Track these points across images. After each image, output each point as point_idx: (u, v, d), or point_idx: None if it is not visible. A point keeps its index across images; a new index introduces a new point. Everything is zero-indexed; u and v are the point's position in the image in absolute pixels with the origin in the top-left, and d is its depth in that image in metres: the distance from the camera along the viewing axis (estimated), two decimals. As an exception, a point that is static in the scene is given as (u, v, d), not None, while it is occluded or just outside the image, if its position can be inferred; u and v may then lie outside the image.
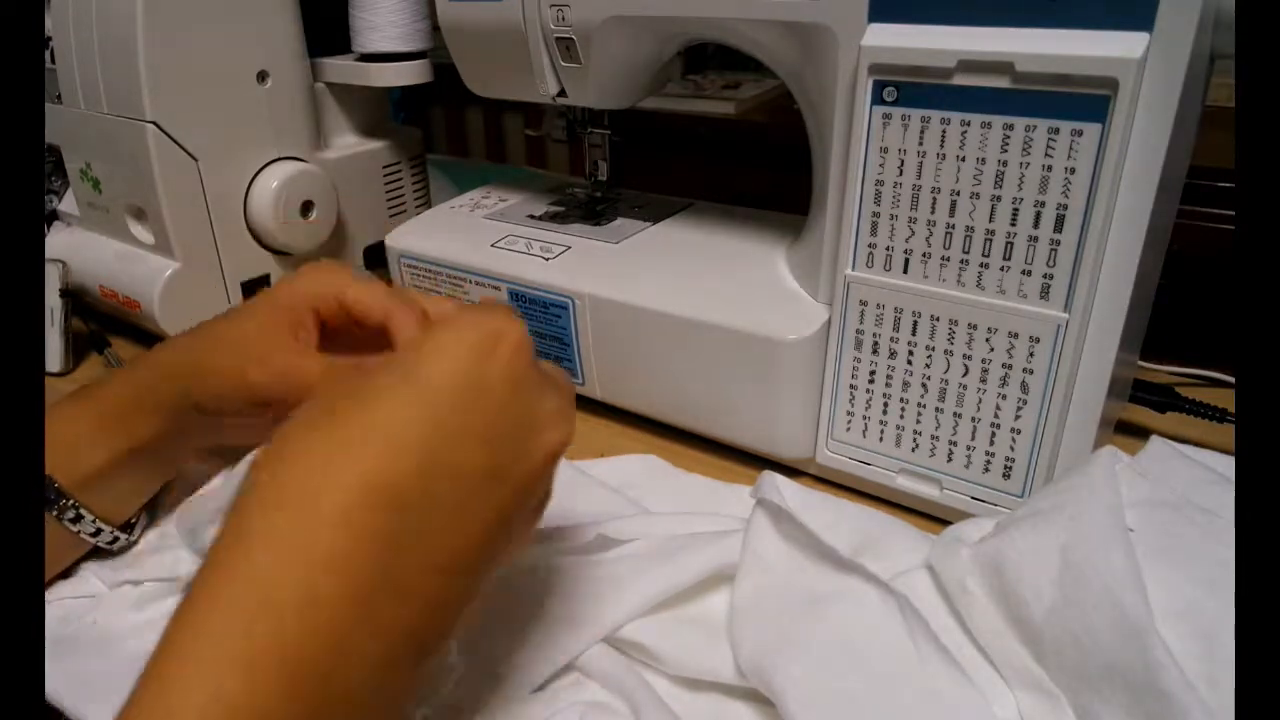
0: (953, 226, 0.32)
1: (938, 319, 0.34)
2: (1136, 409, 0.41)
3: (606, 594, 0.29)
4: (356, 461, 0.20)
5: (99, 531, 0.33)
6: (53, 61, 0.52)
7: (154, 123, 0.47)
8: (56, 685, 0.28)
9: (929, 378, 0.35)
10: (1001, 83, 0.29)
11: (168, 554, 0.34)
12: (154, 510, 0.37)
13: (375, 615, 0.20)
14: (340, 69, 0.57)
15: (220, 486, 0.33)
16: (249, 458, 0.31)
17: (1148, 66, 0.28)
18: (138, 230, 0.52)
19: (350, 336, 0.33)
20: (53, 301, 0.52)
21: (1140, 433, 0.41)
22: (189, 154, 0.49)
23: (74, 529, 0.32)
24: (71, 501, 0.32)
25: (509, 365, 0.23)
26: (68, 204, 0.58)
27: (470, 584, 0.23)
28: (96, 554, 0.34)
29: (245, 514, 0.20)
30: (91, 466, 0.32)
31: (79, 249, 0.55)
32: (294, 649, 0.19)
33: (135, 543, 0.35)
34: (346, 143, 0.60)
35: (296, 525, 0.20)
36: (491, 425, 0.22)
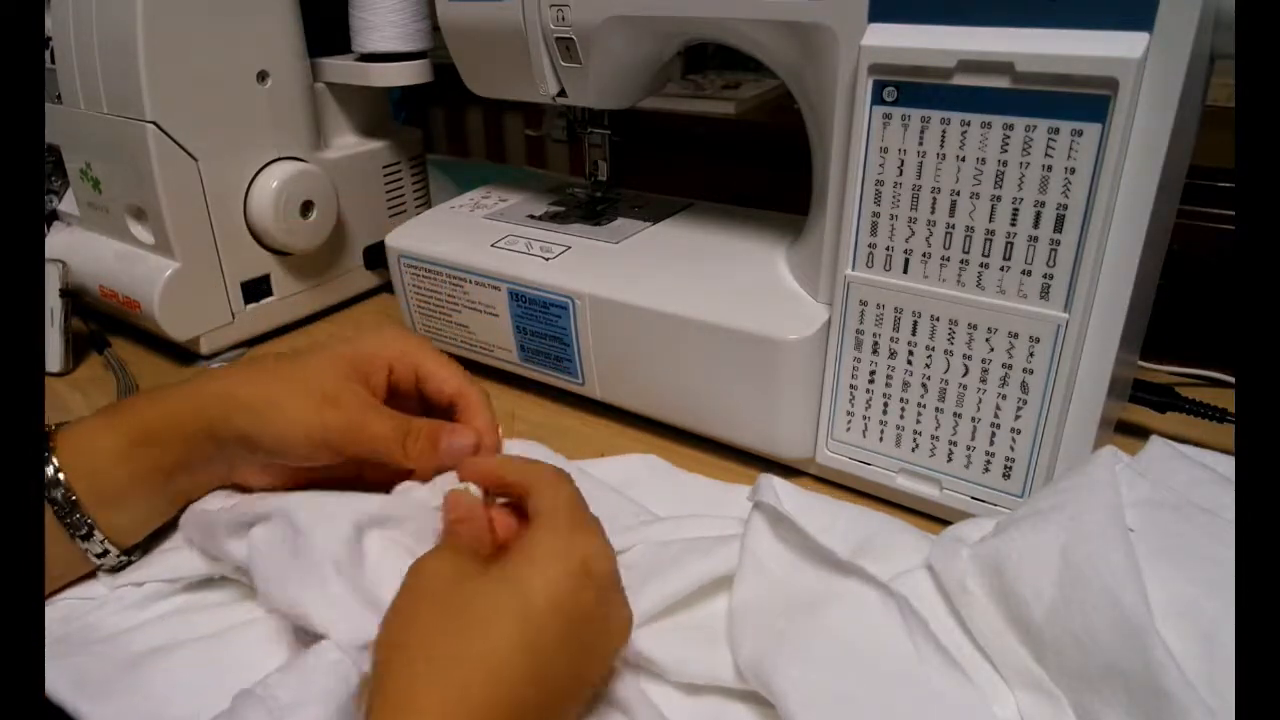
0: (953, 226, 0.32)
1: (938, 319, 0.34)
2: (1136, 409, 0.41)
3: None
4: (461, 686, 0.22)
5: (105, 552, 0.32)
6: (53, 61, 0.52)
7: (154, 123, 0.47)
8: (56, 685, 0.28)
9: (929, 378, 0.35)
10: (1001, 83, 0.29)
11: (170, 555, 0.34)
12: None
13: None
14: (340, 69, 0.57)
15: (233, 503, 0.33)
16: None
17: (1148, 66, 0.28)
18: (138, 230, 0.52)
19: (409, 399, 0.35)
20: (53, 301, 0.52)
21: (1140, 433, 0.41)
22: (189, 154, 0.49)
23: (83, 546, 0.32)
24: (86, 518, 0.31)
25: (600, 591, 0.26)
26: (68, 204, 0.58)
27: None
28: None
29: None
30: (112, 485, 0.31)
31: (79, 249, 0.55)
32: None
33: (133, 563, 0.34)
34: (346, 143, 0.59)
35: None
36: (581, 641, 0.25)
